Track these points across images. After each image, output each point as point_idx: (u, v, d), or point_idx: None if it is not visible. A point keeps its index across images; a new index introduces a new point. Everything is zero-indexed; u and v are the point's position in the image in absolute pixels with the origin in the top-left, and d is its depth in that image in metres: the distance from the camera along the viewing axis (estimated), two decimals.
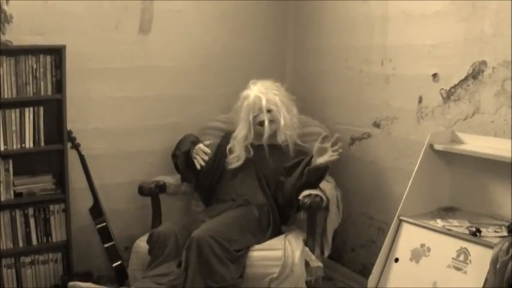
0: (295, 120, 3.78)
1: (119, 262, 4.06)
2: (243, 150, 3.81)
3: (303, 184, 3.51)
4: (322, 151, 3.50)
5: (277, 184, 3.68)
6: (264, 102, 3.70)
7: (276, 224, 3.68)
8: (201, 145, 3.76)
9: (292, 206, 3.62)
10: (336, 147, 3.46)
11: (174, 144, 3.96)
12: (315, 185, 3.51)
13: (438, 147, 3.16)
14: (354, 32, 4.02)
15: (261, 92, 3.73)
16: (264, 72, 4.06)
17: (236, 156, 3.82)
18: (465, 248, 2.85)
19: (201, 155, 3.72)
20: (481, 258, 2.75)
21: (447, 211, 3.25)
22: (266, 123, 3.72)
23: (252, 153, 3.80)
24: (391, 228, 3.21)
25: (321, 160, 3.49)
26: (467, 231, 2.90)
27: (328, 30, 4.26)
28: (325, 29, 4.29)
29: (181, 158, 3.78)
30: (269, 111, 3.73)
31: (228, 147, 3.87)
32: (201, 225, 3.31)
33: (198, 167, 3.71)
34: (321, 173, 3.51)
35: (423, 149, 3.18)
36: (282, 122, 3.72)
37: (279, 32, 4.62)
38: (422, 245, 3.04)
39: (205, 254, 3.12)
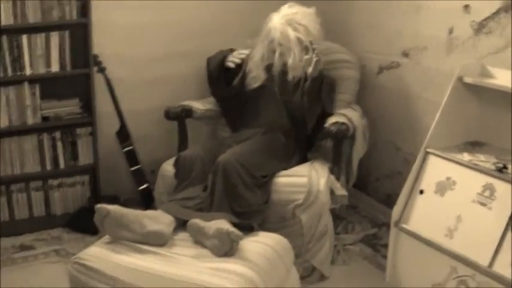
0: (318, 59, 3.59)
1: (145, 185, 4.16)
2: (261, 71, 3.78)
3: (310, 99, 3.58)
4: (308, 63, 3.54)
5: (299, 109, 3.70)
6: (277, 35, 3.65)
7: (302, 150, 3.71)
8: (237, 51, 3.84)
9: (317, 133, 3.68)
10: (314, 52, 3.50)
11: (200, 70, 4.00)
12: (322, 95, 3.56)
13: (468, 80, 3.15)
14: None
15: (281, 22, 3.65)
16: None
17: (254, 77, 3.81)
18: (491, 183, 2.87)
19: (235, 56, 3.80)
20: (507, 195, 2.79)
21: (474, 146, 3.28)
22: (276, 55, 3.71)
23: (274, 77, 3.78)
24: (417, 160, 3.24)
25: (309, 71, 3.53)
26: (493, 167, 2.92)
27: None
28: None
29: (216, 61, 3.84)
30: (281, 44, 3.69)
31: (246, 68, 3.86)
32: (227, 151, 3.34)
33: (231, 65, 3.78)
34: (318, 83, 3.55)
35: (452, 82, 3.18)
36: (290, 62, 3.66)
37: None
38: (448, 178, 3.07)
39: (231, 179, 3.15)
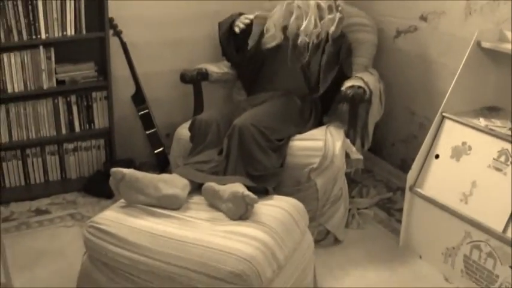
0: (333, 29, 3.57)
1: (161, 149, 4.19)
2: (279, 30, 3.79)
3: (329, 62, 3.55)
4: (331, 23, 3.54)
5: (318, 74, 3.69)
6: None
7: (317, 114, 3.71)
8: (244, 15, 3.83)
9: (333, 96, 3.68)
10: (338, 10, 3.48)
11: (216, 32, 3.96)
12: (340, 57, 3.54)
13: (485, 45, 3.13)
14: None
15: None
16: None
17: (271, 36, 3.82)
18: (506, 149, 2.87)
19: (241, 20, 3.79)
20: None
21: (491, 111, 3.27)
22: (292, 18, 3.73)
23: (290, 39, 3.78)
24: (433, 124, 3.25)
25: (332, 30, 3.51)
26: (509, 132, 2.92)
27: None
28: None
29: (225, 26, 3.84)
30: (299, 7, 3.70)
31: (264, 26, 3.86)
32: (243, 114, 3.34)
33: (237, 30, 3.78)
34: (339, 44, 3.53)
35: (470, 46, 3.16)
36: (303, 26, 3.68)
37: None
38: (464, 143, 3.08)
39: (246, 142, 3.14)
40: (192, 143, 3.38)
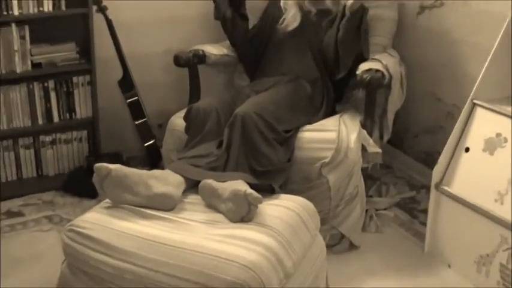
0: None
1: (152, 141, 4.22)
2: (299, 10, 3.81)
3: (348, 39, 3.53)
4: None
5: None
6: None
7: (329, 101, 3.71)
8: None
9: (347, 81, 3.70)
10: None
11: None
12: (358, 33, 3.52)
13: None
14: None
15: None
16: None
17: (292, 16, 3.81)
18: None
19: None
20: None
21: None
22: None
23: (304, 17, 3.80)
24: (462, 113, 3.24)
25: (349, 3, 3.47)
26: None
27: None
28: None
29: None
30: None
31: (281, 3, 3.86)
32: (245, 102, 3.35)
33: None
34: (358, 18, 3.48)
35: (506, 23, 3.13)
36: None
37: None
38: (498, 135, 3.05)
39: (250, 134, 3.14)
40: (187, 135, 3.38)
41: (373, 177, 4.09)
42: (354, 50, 3.58)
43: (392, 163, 4.36)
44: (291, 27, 3.81)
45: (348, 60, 3.59)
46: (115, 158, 3.98)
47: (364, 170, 3.50)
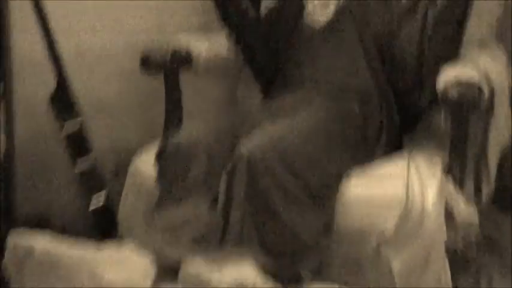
0: None
1: (102, 197, 3.88)
2: None
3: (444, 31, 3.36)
4: None
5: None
6: None
7: (392, 130, 3.38)
8: None
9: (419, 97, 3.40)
10: None
11: None
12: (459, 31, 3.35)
13: None
14: None
15: None
16: None
17: (324, 4, 3.54)
18: None
19: None
20: None
21: None
22: None
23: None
24: None
25: None
26: None
27: None
28: None
29: None
30: None
31: None
32: (255, 131, 3.02)
33: None
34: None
35: None
36: None
37: None
38: None
39: (261, 186, 2.83)
40: (160, 186, 3.12)
41: (467, 257, 3.62)
42: (449, 54, 3.33)
43: (498, 234, 3.96)
44: (321, 21, 3.57)
45: (435, 72, 3.27)
46: (41, 224, 3.66)
47: (449, 248, 3.08)
